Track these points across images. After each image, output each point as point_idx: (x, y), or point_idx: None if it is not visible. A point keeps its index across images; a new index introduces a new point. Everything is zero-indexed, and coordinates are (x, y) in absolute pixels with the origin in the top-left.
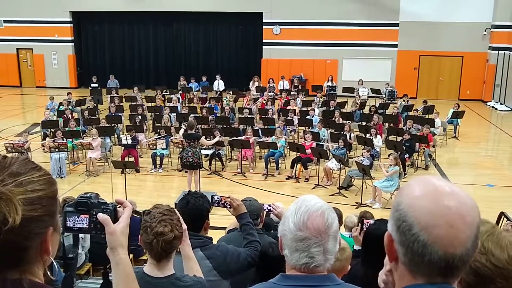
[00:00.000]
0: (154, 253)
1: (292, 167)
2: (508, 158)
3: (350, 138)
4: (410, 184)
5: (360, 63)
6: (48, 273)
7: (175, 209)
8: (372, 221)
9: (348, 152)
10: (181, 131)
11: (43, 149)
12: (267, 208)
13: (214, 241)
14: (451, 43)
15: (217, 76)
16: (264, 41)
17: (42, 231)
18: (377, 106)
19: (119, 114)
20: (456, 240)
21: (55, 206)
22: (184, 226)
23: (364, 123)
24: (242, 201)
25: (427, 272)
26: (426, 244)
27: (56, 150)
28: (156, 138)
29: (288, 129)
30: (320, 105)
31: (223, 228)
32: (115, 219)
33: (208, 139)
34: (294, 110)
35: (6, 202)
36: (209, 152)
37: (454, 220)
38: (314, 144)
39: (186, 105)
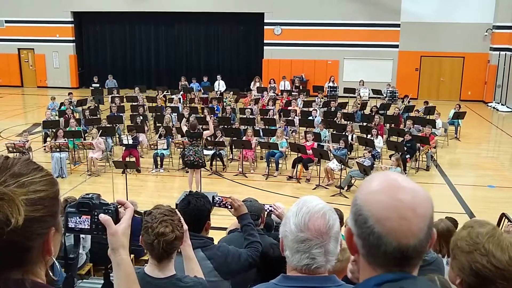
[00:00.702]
0: (155, 254)
1: (293, 167)
2: (509, 159)
3: (352, 139)
4: (368, 180)
5: (361, 63)
6: (50, 273)
7: (176, 210)
8: None
9: (349, 152)
10: (183, 123)
11: (44, 149)
12: (268, 208)
13: (215, 242)
14: (452, 44)
15: (218, 76)
16: (265, 41)
17: (44, 232)
18: (378, 106)
19: (120, 114)
20: (408, 231)
21: (57, 206)
22: (185, 226)
23: (365, 124)
24: (242, 201)
25: (383, 263)
26: (380, 236)
27: (57, 150)
28: (158, 139)
29: (290, 130)
30: (321, 106)
31: (224, 229)
32: (116, 220)
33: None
34: (295, 110)
35: (9, 203)
36: (210, 152)
37: (406, 213)
38: (315, 145)
39: (187, 105)
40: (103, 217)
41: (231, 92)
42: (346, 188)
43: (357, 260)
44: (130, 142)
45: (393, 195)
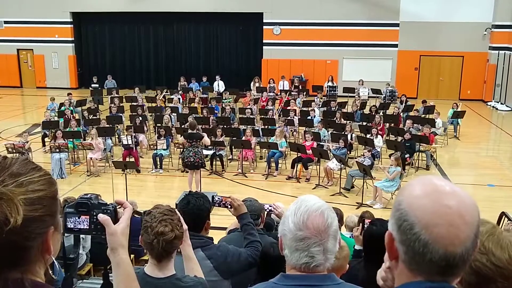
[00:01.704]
0: (155, 253)
1: (292, 167)
2: (509, 158)
3: (351, 139)
4: (411, 184)
5: (361, 63)
6: (50, 272)
7: (176, 209)
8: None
9: (348, 152)
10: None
11: (44, 149)
12: (268, 208)
13: (215, 242)
14: (452, 43)
15: (217, 76)
16: (264, 41)
17: (43, 231)
18: (377, 106)
19: (120, 114)
20: (456, 239)
21: (56, 206)
22: (185, 226)
23: (364, 123)
24: (242, 201)
25: (427, 270)
26: (427, 243)
27: (57, 150)
28: (157, 139)
29: (291, 131)
30: (320, 106)
31: (224, 229)
32: (115, 219)
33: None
34: (295, 110)
35: (7, 203)
36: (210, 152)
37: (454, 219)
38: (314, 144)
39: (187, 105)
40: (102, 217)
41: (227, 93)
42: (350, 188)
43: (393, 267)
44: (130, 142)
45: (439, 201)
